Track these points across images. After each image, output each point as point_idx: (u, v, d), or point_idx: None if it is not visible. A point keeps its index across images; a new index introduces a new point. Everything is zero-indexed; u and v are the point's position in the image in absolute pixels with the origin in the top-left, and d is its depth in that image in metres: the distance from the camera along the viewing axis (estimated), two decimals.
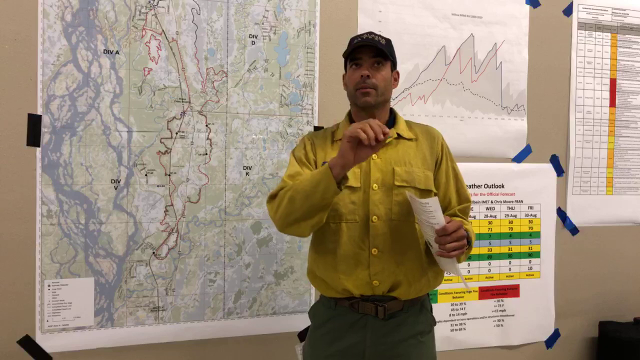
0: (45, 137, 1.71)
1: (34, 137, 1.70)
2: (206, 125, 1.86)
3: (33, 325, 1.71)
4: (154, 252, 1.82)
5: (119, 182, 1.78)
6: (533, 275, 2.31)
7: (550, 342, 2.35)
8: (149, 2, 1.79)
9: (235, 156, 1.90)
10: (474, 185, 2.22)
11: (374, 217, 1.42)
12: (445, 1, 2.15)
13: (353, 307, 1.45)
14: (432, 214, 1.28)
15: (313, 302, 1.97)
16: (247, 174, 1.91)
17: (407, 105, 2.13)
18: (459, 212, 1.53)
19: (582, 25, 2.37)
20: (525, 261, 2.30)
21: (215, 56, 1.86)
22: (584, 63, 2.38)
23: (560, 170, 2.36)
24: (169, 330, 1.84)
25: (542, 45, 2.30)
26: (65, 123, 1.72)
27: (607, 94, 2.41)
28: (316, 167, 1.48)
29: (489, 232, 2.26)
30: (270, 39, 1.92)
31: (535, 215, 2.31)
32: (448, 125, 2.16)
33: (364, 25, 2.04)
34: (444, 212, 1.50)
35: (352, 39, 1.51)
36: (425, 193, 1.46)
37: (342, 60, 1.56)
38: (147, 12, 1.79)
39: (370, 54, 1.45)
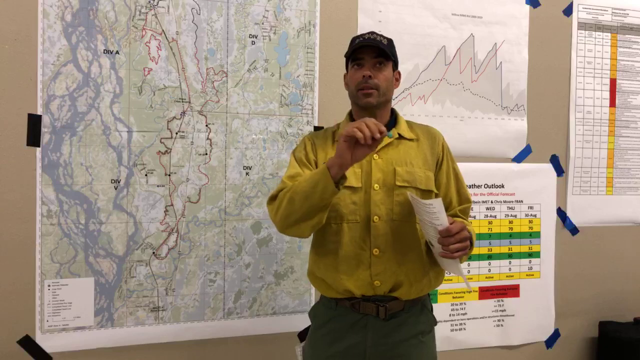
0: (45, 137, 1.71)
1: (34, 137, 1.70)
2: (206, 125, 1.86)
3: (33, 325, 1.71)
4: (154, 252, 1.82)
5: (119, 182, 1.78)
6: (533, 275, 2.31)
7: (550, 342, 2.35)
8: (149, 2, 1.79)
9: (235, 156, 1.90)
10: (474, 185, 2.22)
11: (375, 217, 1.42)
12: (445, 1, 2.15)
13: (354, 308, 1.45)
14: (435, 215, 1.28)
15: (313, 302, 1.97)
16: (247, 174, 1.91)
17: (407, 105, 2.13)
18: (459, 212, 1.54)
19: (582, 25, 2.37)
20: (525, 261, 2.30)
21: (215, 56, 1.86)
22: (584, 63, 2.38)
23: (560, 170, 2.36)
24: (169, 330, 1.84)
25: (542, 45, 2.30)
26: (65, 123, 1.72)
27: (607, 94, 2.41)
28: (317, 168, 1.48)
29: (489, 232, 2.26)
30: (270, 39, 1.92)
31: (535, 215, 2.31)
32: (448, 125, 2.16)
33: (364, 25, 2.04)
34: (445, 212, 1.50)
35: (353, 39, 1.51)
36: (426, 193, 1.46)
37: (343, 60, 1.56)
38: (147, 12, 1.79)
39: (372, 54, 1.45)
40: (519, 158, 2.29)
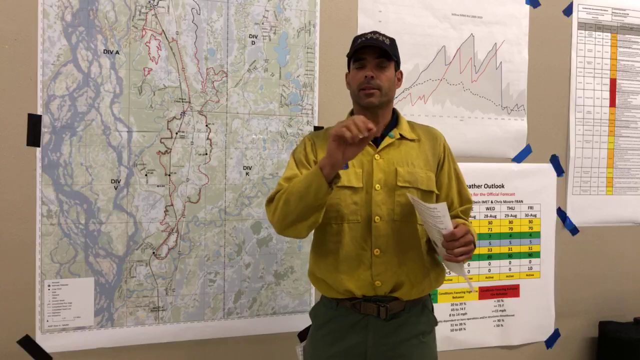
0: (45, 137, 1.71)
1: (34, 137, 1.70)
2: (206, 125, 1.86)
3: (33, 325, 1.71)
4: (154, 252, 1.82)
5: (119, 182, 1.78)
6: (533, 275, 2.31)
7: (550, 342, 2.35)
8: (149, 2, 1.79)
9: (235, 156, 1.90)
10: (474, 185, 2.22)
11: (377, 217, 1.42)
12: (445, 1, 2.15)
13: (355, 308, 1.45)
14: (440, 219, 1.28)
15: (313, 302, 1.97)
16: (247, 174, 1.91)
17: (407, 105, 2.13)
18: (461, 213, 1.54)
19: (582, 25, 2.37)
20: (525, 261, 2.30)
21: (215, 56, 1.86)
22: (584, 63, 2.38)
23: (560, 170, 2.36)
24: (169, 330, 1.84)
25: (542, 45, 2.30)
26: (65, 123, 1.72)
27: (607, 94, 2.41)
28: None
29: (489, 232, 2.26)
30: (270, 39, 1.92)
31: (535, 215, 2.31)
32: (448, 125, 2.16)
33: (364, 25, 2.04)
34: None
35: (355, 38, 1.51)
36: (427, 194, 1.46)
37: (343, 60, 1.56)
38: (147, 12, 1.79)
39: (374, 55, 1.44)
40: (519, 158, 2.29)
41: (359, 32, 1.98)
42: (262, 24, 1.91)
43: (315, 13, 1.98)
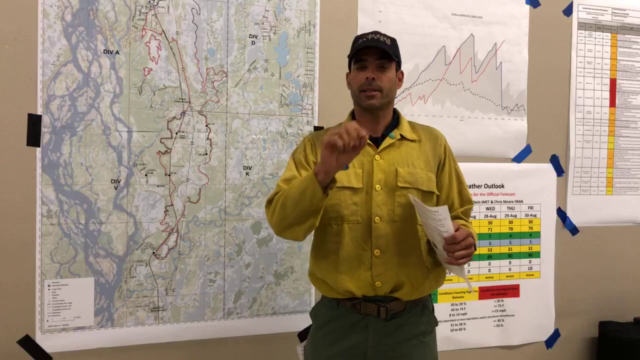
0: (45, 137, 1.71)
1: (34, 137, 1.70)
2: (206, 125, 1.86)
3: (33, 325, 1.71)
4: (154, 252, 1.82)
5: (119, 182, 1.78)
6: (533, 275, 2.31)
7: (550, 342, 2.35)
8: (149, 2, 1.79)
9: (235, 156, 1.90)
10: (474, 185, 2.22)
11: (377, 218, 1.42)
12: (445, 1, 2.15)
13: (355, 308, 1.45)
14: (441, 222, 1.28)
15: (313, 302, 1.98)
16: (247, 174, 1.91)
17: (407, 105, 2.13)
18: (461, 214, 1.54)
19: (582, 25, 2.37)
20: (525, 261, 2.30)
21: (215, 56, 1.86)
22: (584, 63, 2.38)
23: (560, 170, 2.36)
24: (169, 330, 1.84)
25: (542, 45, 2.30)
26: (65, 123, 1.72)
27: (607, 94, 2.41)
28: None
29: (489, 232, 2.26)
30: (270, 39, 1.92)
31: (535, 215, 2.31)
32: (448, 125, 2.16)
33: (364, 25, 2.04)
34: None
35: (356, 38, 1.50)
36: (427, 194, 1.46)
37: (343, 60, 1.56)
38: (147, 12, 1.79)
39: (375, 56, 1.44)
40: (519, 158, 2.29)
41: (359, 32, 1.98)
42: (262, 24, 1.91)
43: (315, 13, 1.98)
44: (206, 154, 1.86)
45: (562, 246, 2.36)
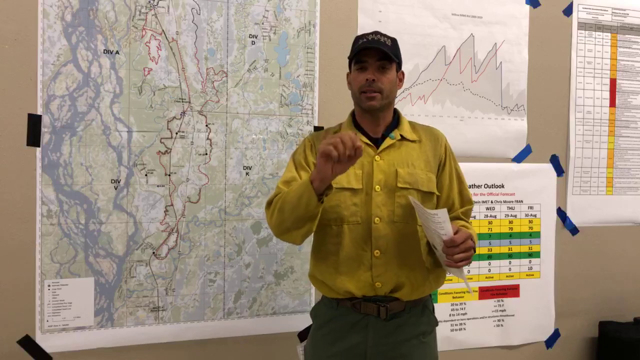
0: (45, 137, 1.71)
1: (34, 137, 1.70)
2: (206, 125, 1.86)
3: (33, 325, 1.71)
4: (154, 252, 1.82)
5: (119, 182, 1.78)
6: (533, 275, 2.31)
7: (550, 342, 2.35)
8: (149, 2, 1.79)
9: (235, 156, 1.90)
10: (474, 185, 2.22)
11: (377, 218, 1.42)
12: (445, 1, 2.15)
13: (355, 308, 1.45)
14: (440, 224, 1.28)
15: (313, 302, 1.98)
16: (247, 174, 1.91)
17: (407, 105, 2.12)
18: (462, 214, 1.53)
19: (582, 25, 2.37)
20: (525, 261, 2.30)
21: (215, 56, 1.86)
22: (584, 63, 2.38)
23: (560, 170, 2.36)
24: (169, 330, 1.84)
25: (542, 45, 2.30)
26: (65, 123, 1.72)
27: (607, 94, 2.41)
28: None
29: (489, 232, 2.26)
30: (270, 39, 1.92)
31: (535, 215, 2.31)
32: (448, 125, 2.16)
33: (364, 25, 2.04)
34: None
35: (357, 38, 1.50)
36: (427, 195, 1.46)
37: (343, 60, 1.56)
38: (147, 12, 1.79)
39: (375, 57, 1.43)
40: (519, 158, 2.29)
41: (359, 32, 1.98)
42: (262, 24, 1.91)
43: (315, 13, 1.98)
44: (206, 154, 1.86)
45: (562, 246, 2.36)
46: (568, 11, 2.34)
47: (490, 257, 2.26)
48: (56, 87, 1.71)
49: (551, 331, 2.35)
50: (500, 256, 2.27)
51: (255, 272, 1.93)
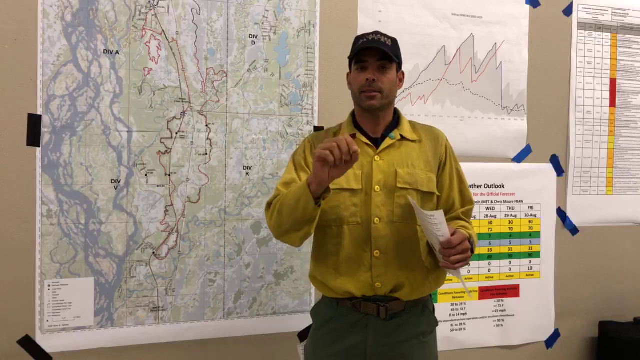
0: (45, 137, 1.71)
1: (34, 137, 1.70)
2: (206, 125, 1.86)
3: (33, 325, 1.71)
4: (154, 252, 1.82)
5: (119, 182, 1.78)
6: (533, 275, 2.31)
7: (550, 342, 2.35)
8: (149, 2, 1.79)
9: (235, 156, 1.90)
10: (474, 185, 2.22)
11: (376, 219, 1.42)
12: (445, 1, 2.15)
13: (355, 307, 1.45)
14: (437, 226, 1.29)
15: (313, 302, 1.98)
16: (247, 174, 1.91)
17: (407, 105, 2.12)
18: (462, 214, 1.53)
19: (582, 25, 2.37)
20: (525, 261, 2.30)
21: (215, 56, 1.86)
22: (584, 63, 2.38)
23: (560, 170, 2.36)
24: (169, 330, 1.84)
25: (542, 45, 2.30)
26: (65, 123, 1.72)
27: (607, 94, 2.41)
28: None
29: (489, 232, 2.26)
30: (270, 39, 1.92)
31: (535, 215, 2.31)
32: (448, 125, 2.16)
33: (364, 25, 2.04)
34: (447, 214, 1.50)
35: (357, 38, 1.49)
36: (427, 195, 1.46)
37: (343, 60, 1.56)
38: (147, 12, 1.79)
39: (375, 57, 1.43)
40: (519, 158, 2.29)
41: (359, 32, 1.98)
42: (262, 24, 1.91)
43: (315, 13, 1.98)
44: (206, 154, 1.86)
45: (562, 246, 2.36)
46: (568, 11, 2.34)
47: (490, 257, 2.26)
48: (56, 87, 1.71)
49: (551, 331, 2.35)
50: (500, 256, 2.27)
51: (255, 272, 1.93)
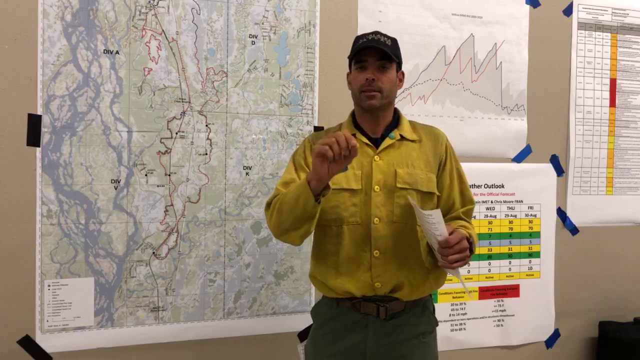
0: (45, 137, 1.71)
1: (34, 137, 1.70)
2: (206, 125, 1.86)
3: (33, 325, 1.71)
4: (154, 252, 1.82)
5: (119, 182, 1.78)
6: (533, 275, 2.31)
7: (550, 342, 2.35)
8: (149, 2, 1.79)
9: (235, 156, 1.90)
10: (474, 185, 2.22)
11: (376, 219, 1.42)
12: (445, 1, 2.15)
13: (355, 307, 1.45)
14: (434, 225, 1.28)
15: (313, 302, 1.98)
16: (247, 174, 1.91)
17: (407, 105, 2.13)
18: (462, 214, 1.53)
19: (582, 25, 2.37)
20: (525, 261, 2.30)
21: (215, 56, 1.86)
22: (584, 63, 2.37)
23: (560, 170, 2.36)
24: (169, 330, 1.84)
25: (542, 45, 2.30)
26: (65, 123, 1.72)
27: (607, 94, 2.41)
28: None
29: (489, 232, 2.26)
30: (270, 39, 1.92)
31: (535, 215, 2.31)
32: (448, 125, 2.16)
33: (364, 25, 2.04)
34: (447, 214, 1.50)
35: (357, 38, 1.50)
36: (427, 195, 1.46)
37: (343, 60, 1.56)
38: (147, 12, 1.79)
39: (375, 57, 1.43)
40: (519, 158, 2.29)
41: (359, 32, 1.98)
42: (262, 24, 1.91)
43: (315, 13, 1.98)
44: (206, 154, 1.86)
45: (562, 246, 2.36)
46: (568, 11, 2.34)
47: (490, 257, 2.26)
48: (56, 87, 1.71)
49: (551, 331, 2.35)
50: (500, 256, 2.27)
51: (255, 272, 1.93)
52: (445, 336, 2.17)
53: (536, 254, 2.32)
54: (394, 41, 1.48)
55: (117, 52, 1.76)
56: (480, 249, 2.23)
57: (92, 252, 1.75)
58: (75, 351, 1.75)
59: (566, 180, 2.37)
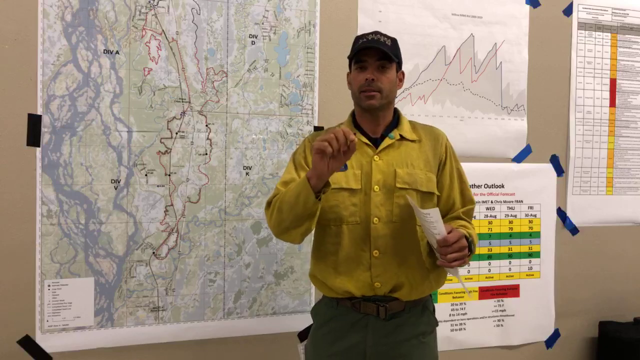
0: (45, 137, 1.71)
1: (34, 137, 1.70)
2: (206, 125, 1.86)
3: (33, 325, 1.71)
4: (154, 252, 1.82)
5: (119, 182, 1.78)
6: (533, 275, 2.31)
7: (550, 342, 2.35)
8: (149, 2, 1.79)
9: (235, 156, 1.90)
10: (474, 185, 2.22)
11: (375, 218, 1.42)
12: (445, 1, 2.15)
13: (355, 307, 1.45)
14: (433, 224, 1.29)
15: (313, 302, 1.98)
16: (247, 174, 1.91)
17: (407, 105, 2.13)
18: (463, 214, 1.53)
19: (582, 25, 2.37)
20: (525, 261, 2.30)
21: (215, 56, 1.86)
22: (584, 63, 2.37)
23: (560, 170, 2.36)
24: (169, 330, 1.84)
25: (542, 45, 2.30)
26: (65, 123, 1.72)
27: (607, 94, 2.41)
28: None
29: (489, 232, 2.26)
30: (270, 39, 1.92)
31: (535, 215, 2.31)
32: (448, 125, 2.16)
33: (364, 25, 2.04)
34: (447, 214, 1.50)
35: (357, 38, 1.50)
36: (427, 195, 1.46)
37: (343, 60, 1.56)
38: (147, 12, 1.79)
39: (375, 57, 1.43)
40: (519, 158, 2.29)
41: (359, 32, 1.98)
42: (262, 24, 1.91)
43: (315, 13, 1.98)
44: (206, 154, 1.86)
45: (562, 246, 2.36)
46: (568, 11, 2.34)
47: (490, 257, 2.26)
48: (56, 87, 1.71)
49: (551, 331, 2.35)
50: (500, 256, 2.27)
51: (255, 272, 1.93)
52: (445, 336, 2.17)
53: (536, 254, 2.32)
54: (393, 41, 1.48)
55: (117, 52, 1.76)
56: (480, 249, 2.23)
57: (92, 252, 1.75)
58: (75, 351, 1.75)
59: (566, 180, 2.37)
